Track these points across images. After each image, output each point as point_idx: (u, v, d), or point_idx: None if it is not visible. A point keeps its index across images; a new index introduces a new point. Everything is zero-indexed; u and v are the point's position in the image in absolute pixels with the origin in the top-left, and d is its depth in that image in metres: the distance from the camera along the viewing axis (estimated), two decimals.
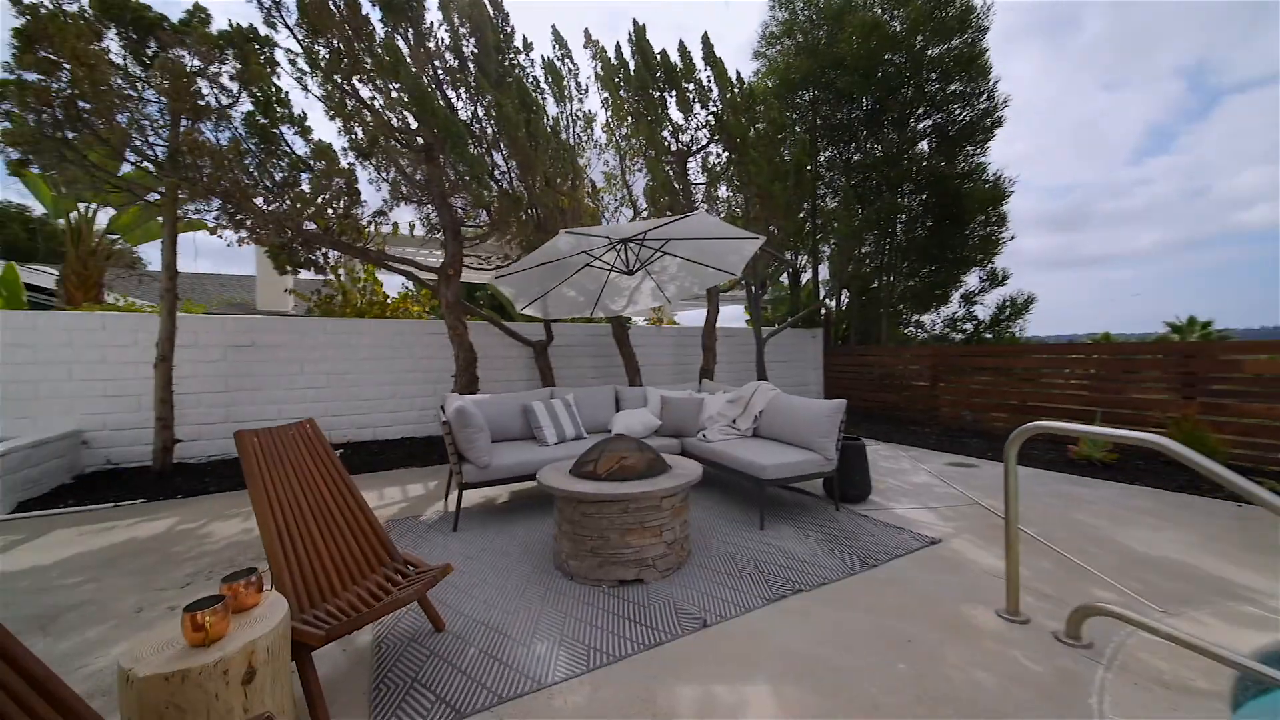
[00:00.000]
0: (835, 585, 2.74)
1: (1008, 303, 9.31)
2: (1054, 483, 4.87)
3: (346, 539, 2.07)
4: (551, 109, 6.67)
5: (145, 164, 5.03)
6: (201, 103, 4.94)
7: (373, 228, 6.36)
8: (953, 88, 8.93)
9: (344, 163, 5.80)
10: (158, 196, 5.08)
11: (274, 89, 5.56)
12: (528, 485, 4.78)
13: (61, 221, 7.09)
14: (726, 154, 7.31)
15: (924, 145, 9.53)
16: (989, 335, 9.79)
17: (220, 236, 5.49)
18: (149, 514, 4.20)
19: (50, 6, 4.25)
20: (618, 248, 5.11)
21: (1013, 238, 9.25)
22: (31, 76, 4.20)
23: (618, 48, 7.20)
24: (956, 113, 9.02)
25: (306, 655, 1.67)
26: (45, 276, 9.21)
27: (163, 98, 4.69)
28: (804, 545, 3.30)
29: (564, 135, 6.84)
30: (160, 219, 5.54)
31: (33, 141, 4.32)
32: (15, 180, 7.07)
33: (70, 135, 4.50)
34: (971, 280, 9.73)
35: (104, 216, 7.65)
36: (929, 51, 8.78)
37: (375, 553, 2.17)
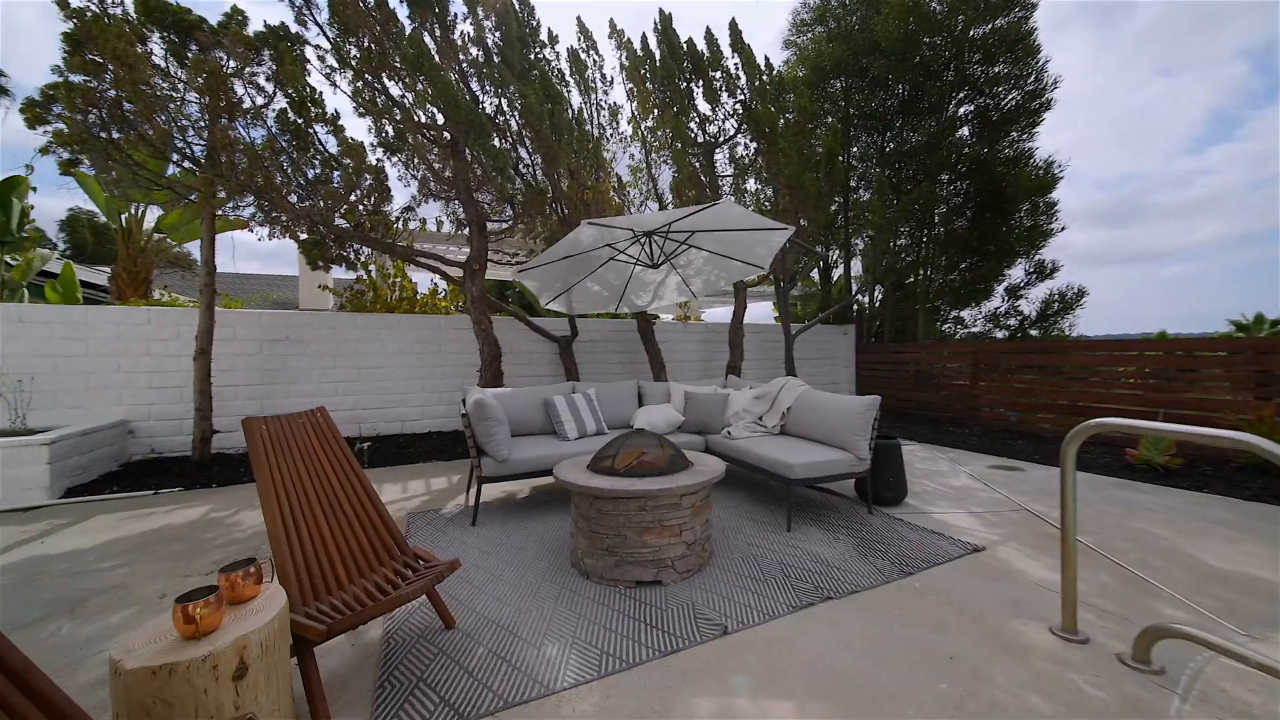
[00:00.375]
0: (868, 593, 2.55)
1: (1056, 297, 8.72)
2: (1110, 488, 4.50)
3: (355, 531, 2.03)
4: (576, 101, 6.60)
5: (185, 163, 5.20)
6: (236, 101, 5.06)
7: (401, 224, 6.43)
8: (997, 70, 8.42)
9: (372, 159, 5.88)
10: (198, 195, 5.23)
11: (308, 89, 5.68)
12: (548, 480, 4.72)
13: (115, 221, 7.44)
14: (755, 144, 7.09)
15: (965, 131, 9.03)
16: (1035, 332, 9.22)
17: (252, 230, 5.63)
18: (185, 502, 4.33)
19: (96, 10, 4.42)
20: (642, 241, 5.00)
21: (1063, 228, 8.68)
22: (78, 79, 4.37)
23: (644, 39, 7.07)
24: (1001, 96, 8.49)
25: (308, 650, 1.62)
26: (101, 274, 9.75)
27: (201, 97, 4.82)
28: (834, 549, 3.12)
29: (588, 127, 6.77)
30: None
31: (80, 141, 4.50)
32: (78, 186, 7.44)
33: (115, 135, 4.68)
34: (1016, 273, 9.17)
35: (154, 216, 8.01)
36: (971, 32, 8.30)
37: (385, 545, 2.12)
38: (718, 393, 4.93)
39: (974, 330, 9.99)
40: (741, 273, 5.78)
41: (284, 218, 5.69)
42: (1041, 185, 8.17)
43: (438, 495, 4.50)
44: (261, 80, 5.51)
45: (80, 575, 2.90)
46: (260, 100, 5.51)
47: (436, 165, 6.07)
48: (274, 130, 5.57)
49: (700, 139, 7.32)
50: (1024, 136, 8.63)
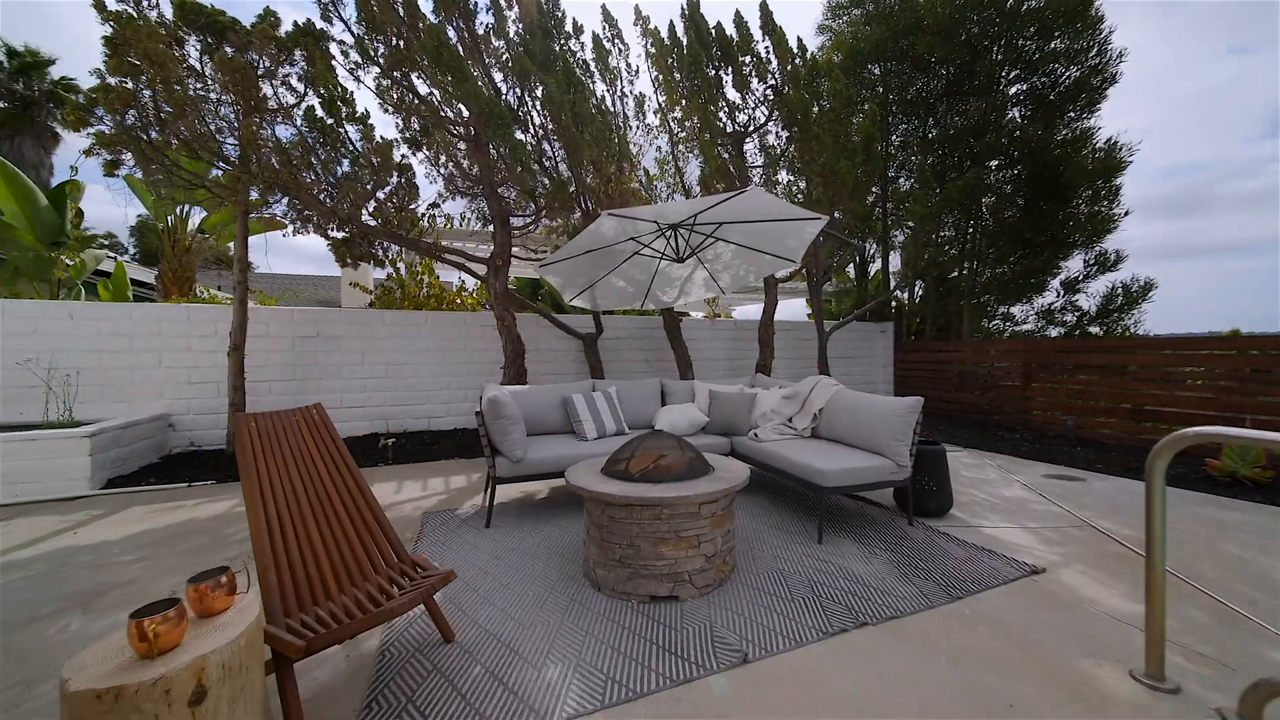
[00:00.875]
0: (909, 620, 2.28)
1: (1119, 291, 7.97)
2: (1190, 504, 4.01)
3: (348, 536, 1.92)
4: (601, 92, 6.44)
5: (220, 163, 5.32)
6: (261, 99, 5.12)
7: (426, 220, 6.45)
8: (1053, 45, 7.76)
9: (396, 155, 5.88)
10: (227, 194, 5.34)
11: (339, 89, 5.72)
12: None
13: (162, 222, 7.77)
14: (787, 132, 6.75)
15: (1016, 113, 8.37)
16: (1095, 329, 8.49)
17: (285, 230, 5.73)
18: (214, 495, 4.40)
19: (132, 12, 4.54)
20: (667, 234, 4.80)
21: (1127, 212, 7.93)
22: (116, 81, 4.50)
23: (670, 26, 6.85)
24: (1058, 73, 7.81)
25: (288, 667, 1.50)
26: (150, 273, 10.25)
27: (228, 94, 4.89)
28: (870, 566, 2.84)
29: (613, 118, 6.60)
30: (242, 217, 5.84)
31: (119, 143, 4.64)
32: (129, 189, 7.81)
33: (153, 136, 4.80)
34: (1074, 265, 8.44)
35: (199, 216, 8.32)
36: (1024, 5, 7.69)
37: (381, 552, 2.01)
38: (744, 392, 4.68)
39: (1025, 328, 9.30)
40: (771, 266, 5.50)
41: (315, 216, 5.77)
42: (1105, 168, 7.46)
43: (456, 494, 4.42)
44: (294, 81, 5.59)
45: (102, 568, 2.93)
46: (291, 100, 5.59)
47: (464, 161, 6.03)
48: (303, 129, 5.65)
49: (729, 129, 7.04)
50: (1084, 116, 7.93)
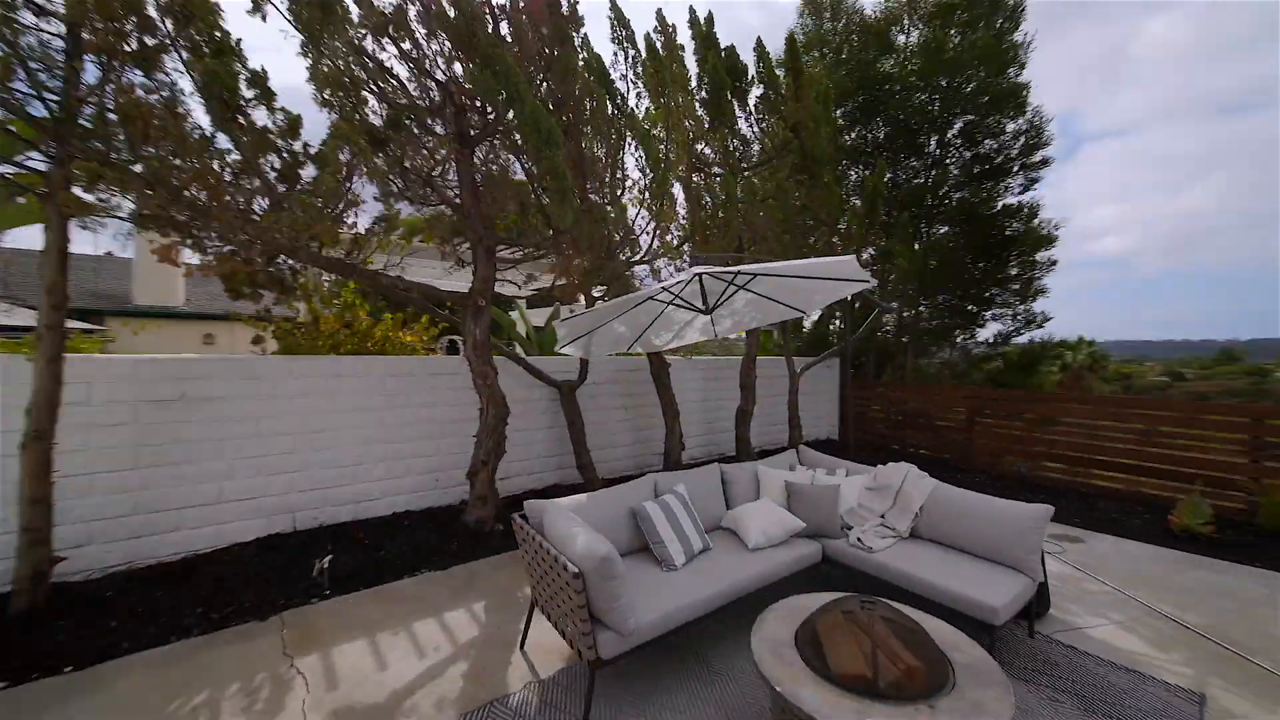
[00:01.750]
0: None
1: (1035, 342, 9.33)
2: (1187, 566, 4.29)
3: None
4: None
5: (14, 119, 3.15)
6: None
7: (375, 240, 4.73)
8: (988, 121, 8.69)
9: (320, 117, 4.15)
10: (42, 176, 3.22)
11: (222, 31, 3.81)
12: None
13: None
14: (802, 176, 6.31)
15: (958, 173, 9.29)
16: (998, 358, 9.67)
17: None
18: None
19: None
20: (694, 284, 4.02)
21: (1053, 262, 9.04)
22: None
23: (661, 41, 6.01)
24: (997, 146, 8.81)
25: None
26: None
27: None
28: None
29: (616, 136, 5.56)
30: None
31: None
32: None
33: None
34: (993, 326, 9.65)
35: None
36: (967, 86, 8.46)
37: None
38: (824, 482, 4.06)
39: (955, 369, 10.31)
40: (783, 316, 5.05)
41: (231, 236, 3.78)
42: (1036, 242, 8.55)
43: (476, 655, 3.05)
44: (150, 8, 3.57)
45: None
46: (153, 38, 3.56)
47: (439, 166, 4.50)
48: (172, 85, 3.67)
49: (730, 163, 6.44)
50: (1022, 188, 9.01)
